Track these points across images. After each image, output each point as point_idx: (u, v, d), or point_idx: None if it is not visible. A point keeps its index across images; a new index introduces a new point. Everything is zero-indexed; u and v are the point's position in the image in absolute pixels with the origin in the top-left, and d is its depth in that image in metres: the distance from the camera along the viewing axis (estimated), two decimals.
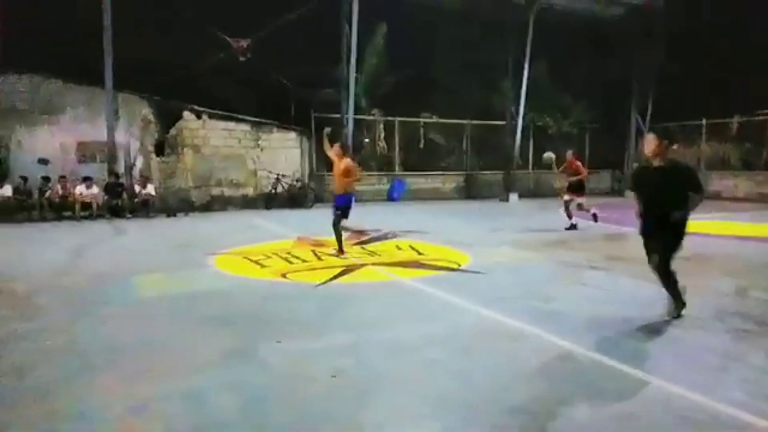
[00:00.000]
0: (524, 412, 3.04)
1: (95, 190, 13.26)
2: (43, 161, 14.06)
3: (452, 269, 7.09)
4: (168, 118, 15.48)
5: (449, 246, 8.80)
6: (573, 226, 10.62)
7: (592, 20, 19.43)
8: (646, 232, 4.75)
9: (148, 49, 14.49)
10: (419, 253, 8.23)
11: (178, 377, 3.56)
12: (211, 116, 15.95)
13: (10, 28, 13.52)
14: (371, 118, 19.23)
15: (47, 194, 12.93)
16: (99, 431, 2.88)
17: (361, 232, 8.96)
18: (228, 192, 16.25)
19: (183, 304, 5.43)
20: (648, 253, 4.75)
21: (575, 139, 21.17)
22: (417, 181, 19.67)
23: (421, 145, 20.00)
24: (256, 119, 16.67)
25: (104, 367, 3.75)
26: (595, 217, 10.97)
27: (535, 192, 20.61)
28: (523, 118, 19.47)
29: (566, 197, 10.86)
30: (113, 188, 13.51)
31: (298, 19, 15.46)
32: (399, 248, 8.69)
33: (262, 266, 7.28)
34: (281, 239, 9.57)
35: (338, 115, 17.17)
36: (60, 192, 13.03)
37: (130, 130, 15.04)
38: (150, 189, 13.91)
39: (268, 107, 16.89)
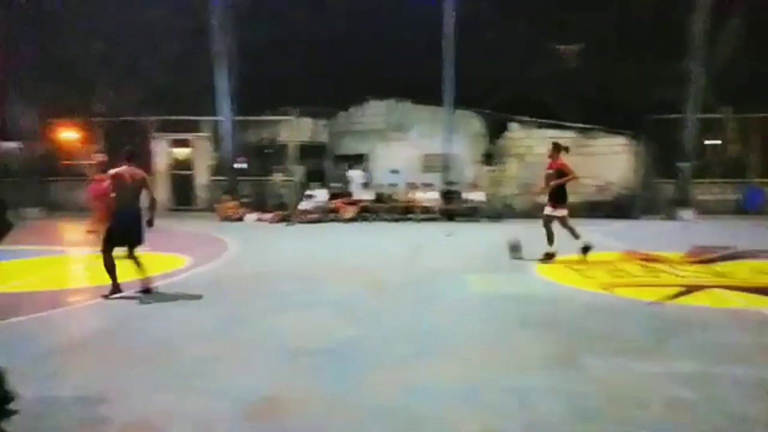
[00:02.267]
0: None
1: (434, 195, 15.09)
2: (394, 171, 16.72)
3: None
4: (495, 130, 16.46)
5: None
6: (586, 249, 7.97)
7: None
8: None
9: (481, 66, 15.66)
10: None
11: (502, 372, 3.78)
12: (536, 125, 16.24)
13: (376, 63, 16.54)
14: (720, 116, 16.38)
15: (395, 197, 15.32)
16: (438, 406, 3.29)
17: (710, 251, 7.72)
18: None
19: (506, 305, 5.72)
20: None
21: None
22: None
23: None
24: (582, 125, 16.18)
25: (439, 351, 4.25)
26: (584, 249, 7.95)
27: None
28: None
29: (548, 211, 8.32)
30: (448, 194, 15.12)
31: (630, 16, 14.35)
32: (757, 271, 7.20)
33: (585, 276, 7.05)
34: (605, 250, 9.05)
35: (677, 115, 15.25)
36: (407, 197, 15.29)
37: (463, 142, 16.55)
38: (478, 195, 15.06)
39: (596, 112, 16.16)
